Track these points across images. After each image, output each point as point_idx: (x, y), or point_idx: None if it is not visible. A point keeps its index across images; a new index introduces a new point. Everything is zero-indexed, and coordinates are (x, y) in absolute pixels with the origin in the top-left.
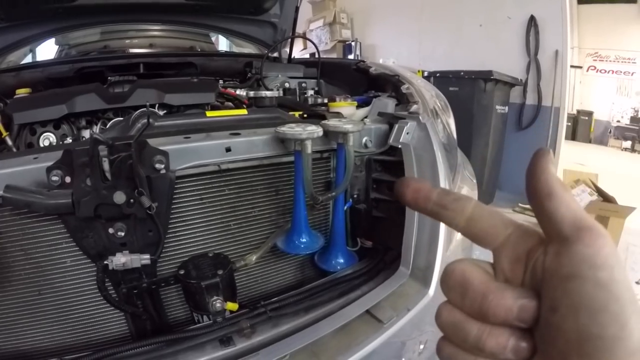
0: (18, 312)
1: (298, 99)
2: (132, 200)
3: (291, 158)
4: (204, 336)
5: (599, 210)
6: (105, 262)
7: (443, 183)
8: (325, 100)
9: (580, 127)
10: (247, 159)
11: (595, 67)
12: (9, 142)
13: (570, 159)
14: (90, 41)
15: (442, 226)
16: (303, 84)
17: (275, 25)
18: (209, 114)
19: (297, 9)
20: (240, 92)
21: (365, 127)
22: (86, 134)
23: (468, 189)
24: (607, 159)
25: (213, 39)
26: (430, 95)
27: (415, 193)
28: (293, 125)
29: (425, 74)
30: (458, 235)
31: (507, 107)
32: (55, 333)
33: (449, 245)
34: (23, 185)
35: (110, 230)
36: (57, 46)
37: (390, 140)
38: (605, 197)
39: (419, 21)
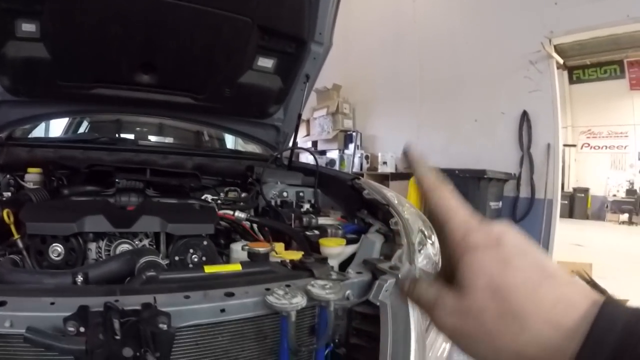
0: None
1: (294, 213)
2: (138, 354)
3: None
4: None
5: None
6: None
7: (414, 344)
8: (319, 221)
9: (577, 205)
10: (239, 318)
11: (589, 144)
12: (20, 245)
13: (567, 240)
14: (104, 120)
15: None
16: (300, 194)
17: (279, 129)
18: (207, 269)
19: (299, 115)
20: (239, 215)
21: (348, 281)
22: (92, 246)
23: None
24: (604, 234)
25: None
26: (417, 227)
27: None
28: (280, 292)
29: None
30: None
31: (500, 202)
32: None
33: None
34: (42, 329)
35: None
36: (72, 119)
37: (370, 297)
38: (600, 291)
39: (417, 115)
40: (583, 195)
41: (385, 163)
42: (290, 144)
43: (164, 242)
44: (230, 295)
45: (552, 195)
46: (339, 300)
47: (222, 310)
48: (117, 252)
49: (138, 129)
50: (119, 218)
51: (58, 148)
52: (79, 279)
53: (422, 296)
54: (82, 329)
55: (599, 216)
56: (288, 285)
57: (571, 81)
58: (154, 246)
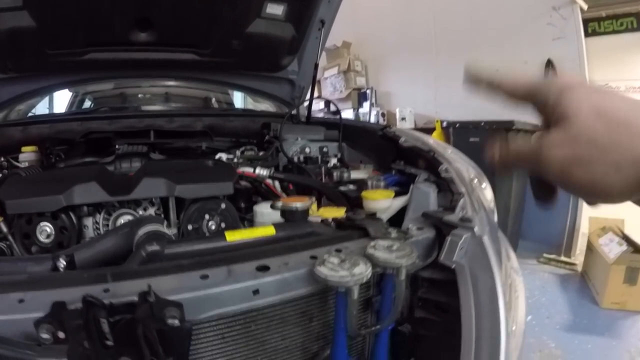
0: None
1: (320, 168)
2: None
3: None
4: None
5: (630, 262)
6: None
7: (503, 315)
8: (352, 175)
9: None
10: (278, 301)
11: None
12: (4, 229)
13: None
14: (102, 90)
15: (503, 347)
16: (324, 149)
17: (294, 82)
18: (229, 237)
19: (316, 66)
20: (260, 172)
21: (412, 240)
22: (88, 222)
23: (519, 291)
24: None
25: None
26: (467, 172)
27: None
28: (334, 261)
29: (444, 124)
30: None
31: None
32: None
33: None
34: (9, 337)
35: None
36: (72, 96)
37: (442, 258)
38: (635, 247)
39: (434, 67)
40: None
41: (404, 119)
42: (308, 96)
43: (173, 208)
44: (264, 269)
45: None
46: (411, 265)
47: (255, 292)
48: (118, 225)
49: (140, 95)
50: (116, 184)
51: (54, 122)
52: (61, 263)
53: (522, 148)
54: (61, 334)
55: None
56: (339, 250)
57: (586, 34)
58: (162, 215)
